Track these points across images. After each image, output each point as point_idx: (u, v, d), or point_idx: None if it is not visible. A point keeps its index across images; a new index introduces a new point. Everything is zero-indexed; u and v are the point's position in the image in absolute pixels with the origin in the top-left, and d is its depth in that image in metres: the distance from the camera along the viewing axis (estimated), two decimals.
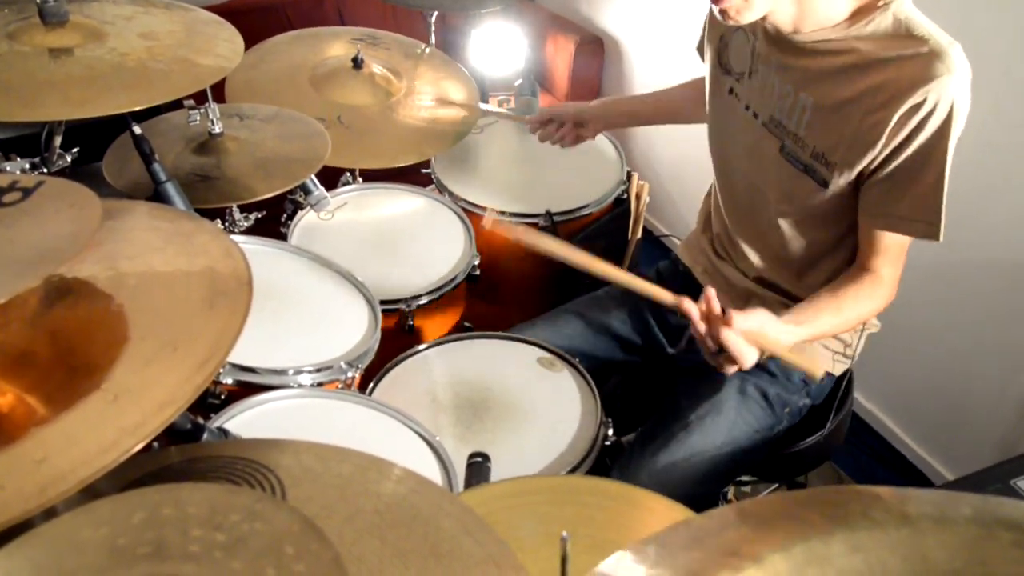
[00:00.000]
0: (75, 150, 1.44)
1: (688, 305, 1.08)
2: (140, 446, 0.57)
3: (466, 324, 1.70)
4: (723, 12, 1.08)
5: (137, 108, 1.06)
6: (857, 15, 1.09)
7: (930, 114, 1.04)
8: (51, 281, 0.71)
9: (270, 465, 0.70)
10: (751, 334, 1.05)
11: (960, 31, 1.06)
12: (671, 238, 2.70)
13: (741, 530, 0.54)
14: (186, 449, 0.74)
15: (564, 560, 0.52)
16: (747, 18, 1.08)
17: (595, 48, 2.88)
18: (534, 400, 1.30)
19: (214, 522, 0.51)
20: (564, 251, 1.09)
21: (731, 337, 1.04)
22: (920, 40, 1.04)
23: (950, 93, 1.03)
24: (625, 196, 1.81)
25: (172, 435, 0.83)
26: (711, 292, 1.08)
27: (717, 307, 1.07)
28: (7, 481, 0.55)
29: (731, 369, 1.09)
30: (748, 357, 1.06)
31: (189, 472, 0.70)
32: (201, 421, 0.86)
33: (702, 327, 1.07)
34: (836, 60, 1.10)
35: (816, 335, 1.18)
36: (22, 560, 0.48)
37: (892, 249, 1.15)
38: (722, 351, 1.06)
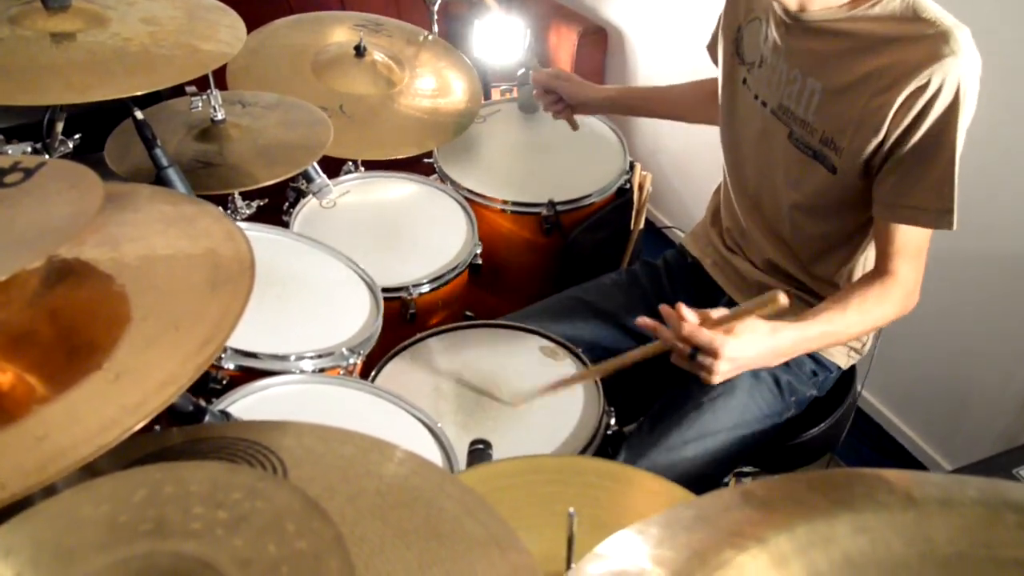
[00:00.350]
0: (77, 137, 1.43)
1: (686, 311, 1.04)
2: (141, 425, 0.57)
3: (468, 313, 1.70)
4: None
5: (139, 93, 1.06)
6: None
7: (935, 97, 1.02)
8: (52, 262, 0.71)
9: (272, 446, 0.70)
10: (736, 361, 1.03)
11: (965, 18, 1.05)
12: (673, 229, 2.69)
13: (745, 511, 0.53)
14: (188, 430, 0.74)
15: (571, 538, 0.52)
16: None
17: (598, 38, 2.86)
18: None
19: (216, 500, 0.51)
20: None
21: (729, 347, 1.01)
22: (927, 22, 1.03)
23: (956, 75, 1.01)
24: (628, 186, 1.81)
25: (174, 417, 0.83)
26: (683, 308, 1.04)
27: (715, 315, 1.04)
28: (7, 458, 0.55)
29: (703, 375, 1.05)
30: (725, 374, 1.04)
31: (191, 453, 0.70)
32: (203, 403, 0.86)
33: (673, 334, 1.03)
34: (843, 42, 1.09)
35: (821, 335, 1.10)
36: (22, 537, 0.48)
37: (909, 246, 1.12)
38: (695, 357, 1.03)
